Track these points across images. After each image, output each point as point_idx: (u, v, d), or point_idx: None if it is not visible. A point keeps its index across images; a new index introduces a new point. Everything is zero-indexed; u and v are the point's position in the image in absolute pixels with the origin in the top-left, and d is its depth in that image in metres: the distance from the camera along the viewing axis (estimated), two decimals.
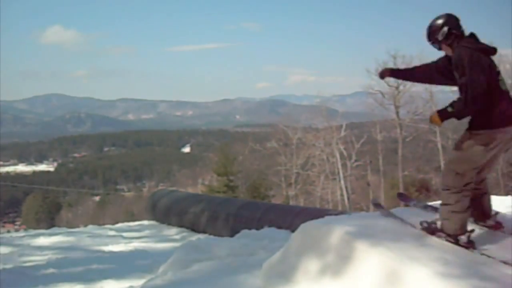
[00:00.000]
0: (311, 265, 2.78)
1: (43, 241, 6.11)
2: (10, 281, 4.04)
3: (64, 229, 7.87)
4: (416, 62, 31.34)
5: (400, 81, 32.79)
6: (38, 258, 5.00)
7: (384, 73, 3.76)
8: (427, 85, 32.21)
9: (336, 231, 2.78)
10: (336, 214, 3.79)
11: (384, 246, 2.55)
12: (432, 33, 3.37)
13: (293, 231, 3.19)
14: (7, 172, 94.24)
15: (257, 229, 5.08)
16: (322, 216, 3.21)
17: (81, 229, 8.31)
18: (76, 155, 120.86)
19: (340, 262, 2.64)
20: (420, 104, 33.15)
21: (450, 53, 3.32)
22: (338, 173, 34.63)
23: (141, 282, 3.49)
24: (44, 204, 55.11)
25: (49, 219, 47.94)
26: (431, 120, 3.27)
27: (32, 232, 7.61)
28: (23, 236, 6.66)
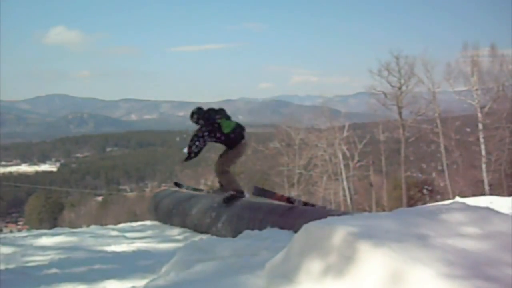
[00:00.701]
0: (314, 265, 2.78)
1: (45, 241, 6.10)
2: (12, 281, 4.04)
3: (67, 229, 7.87)
4: (419, 63, 31.51)
5: (402, 81, 32.93)
6: (40, 258, 4.99)
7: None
8: (429, 86, 32.27)
9: (339, 232, 2.78)
10: (338, 215, 3.79)
11: (387, 246, 2.54)
12: (191, 118, 6.74)
13: (295, 231, 3.19)
14: (10, 172, 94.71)
15: (260, 229, 5.07)
16: (325, 217, 3.21)
17: (84, 229, 8.31)
18: (78, 155, 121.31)
19: (343, 263, 2.64)
20: (423, 105, 33.19)
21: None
22: (341, 173, 34.69)
23: (143, 282, 3.49)
24: (47, 204, 55.31)
25: (51, 219, 48.12)
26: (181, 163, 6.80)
27: (35, 232, 7.61)
28: (26, 236, 6.66)
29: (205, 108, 6.94)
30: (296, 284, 2.78)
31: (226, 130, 6.39)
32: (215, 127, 6.40)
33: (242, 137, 6.58)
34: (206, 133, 6.34)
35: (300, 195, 32.69)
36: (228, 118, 6.70)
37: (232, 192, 6.52)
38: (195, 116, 6.67)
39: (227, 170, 6.67)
